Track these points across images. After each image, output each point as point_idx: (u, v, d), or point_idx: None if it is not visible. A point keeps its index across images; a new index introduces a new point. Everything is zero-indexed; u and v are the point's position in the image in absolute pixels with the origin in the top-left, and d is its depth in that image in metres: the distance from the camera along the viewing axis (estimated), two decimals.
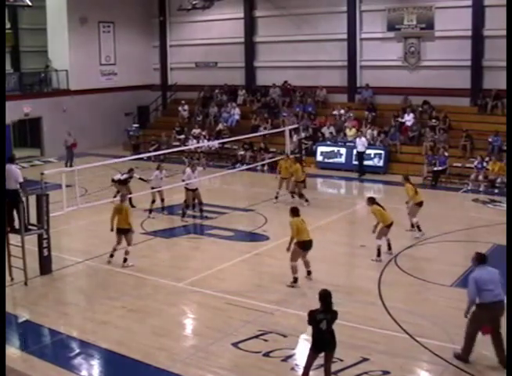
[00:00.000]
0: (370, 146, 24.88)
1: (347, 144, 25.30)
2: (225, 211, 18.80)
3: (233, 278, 13.27)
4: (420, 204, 15.59)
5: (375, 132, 25.35)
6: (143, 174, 20.35)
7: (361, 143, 24.18)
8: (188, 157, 26.20)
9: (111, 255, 14.17)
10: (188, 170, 18.04)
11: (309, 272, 12.81)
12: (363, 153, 24.17)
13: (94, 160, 24.99)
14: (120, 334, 10.52)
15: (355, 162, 24.58)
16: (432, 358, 9.40)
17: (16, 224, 13.00)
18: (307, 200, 18.83)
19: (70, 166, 25.17)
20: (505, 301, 9.01)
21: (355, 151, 24.52)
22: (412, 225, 15.65)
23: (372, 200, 14.25)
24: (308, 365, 8.35)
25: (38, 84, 30.57)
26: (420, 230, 15.48)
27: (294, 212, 12.70)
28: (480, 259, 9.23)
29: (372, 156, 24.47)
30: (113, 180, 19.58)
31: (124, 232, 14.02)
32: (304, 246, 12.53)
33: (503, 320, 8.99)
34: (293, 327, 10.62)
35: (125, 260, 13.97)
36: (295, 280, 12.48)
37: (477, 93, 25.06)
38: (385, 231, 14.01)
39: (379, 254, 13.87)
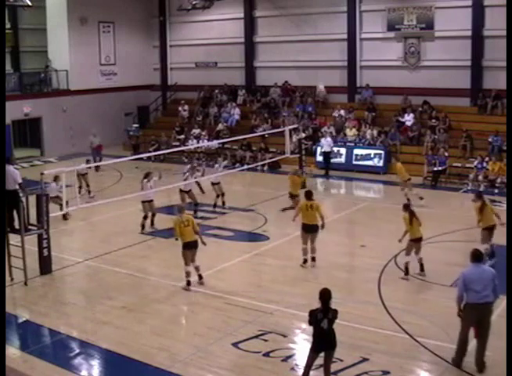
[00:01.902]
0: (370, 146, 24.91)
1: (348, 144, 25.32)
2: (225, 211, 18.81)
3: (233, 278, 13.27)
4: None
5: (375, 132, 25.36)
6: (144, 174, 20.32)
7: (326, 143, 24.60)
8: (188, 157, 26.24)
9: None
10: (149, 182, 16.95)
11: (313, 258, 13.55)
12: (329, 153, 24.59)
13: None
14: (120, 334, 10.52)
15: (355, 162, 24.61)
16: (432, 358, 9.40)
17: (16, 224, 13.01)
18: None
19: (96, 169, 24.91)
20: (491, 303, 8.92)
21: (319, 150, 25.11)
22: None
23: (406, 207, 12.95)
24: (309, 365, 8.36)
25: (38, 84, 30.56)
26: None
27: (307, 196, 13.75)
28: (474, 257, 9.09)
29: (372, 156, 24.48)
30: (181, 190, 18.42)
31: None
32: (304, 228, 13.49)
33: (502, 317, 8.99)
34: (293, 327, 10.63)
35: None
36: (304, 261, 13.50)
37: (477, 93, 25.05)
38: (411, 246, 12.65)
39: (406, 273, 12.72)
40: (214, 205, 18.93)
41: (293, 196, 18.01)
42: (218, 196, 19.08)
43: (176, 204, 15.24)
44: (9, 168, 12.88)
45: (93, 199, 19.23)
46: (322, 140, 24.98)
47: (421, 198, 18.45)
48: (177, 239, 12.52)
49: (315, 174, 24.01)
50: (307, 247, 13.52)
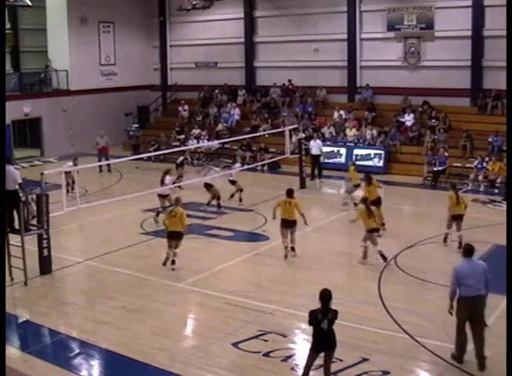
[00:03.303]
0: (370, 146, 24.90)
1: (348, 144, 25.31)
2: (225, 211, 18.81)
3: (233, 278, 13.27)
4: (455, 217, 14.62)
5: (375, 132, 25.36)
6: (144, 174, 20.41)
7: (315, 146, 23.42)
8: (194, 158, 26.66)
9: None
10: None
11: (292, 248, 14.21)
12: (318, 156, 23.52)
13: (94, 160, 25.03)
14: (120, 334, 10.52)
15: (356, 162, 24.51)
16: (432, 358, 9.40)
17: (16, 224, 13.00)
18: None
19: (109, 170, 24.98)
20: (484, 296, 8.99)
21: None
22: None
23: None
24: (308, 365, 8.35)
25: (38, 84, 30.55)
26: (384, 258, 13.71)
27: (288, 193, 14.36)
28: (466, 252, 9.23)
29: (372, 156, 24.48)
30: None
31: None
32: (283, 223, 14.14)
33: (502, 317, 8.99)
34: (293, 327, 10.63)
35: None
36: (286, 255, 14.17)
37: (477, 93, 25.05)
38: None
39: (364, 256, 13.66)
40: (219, 202, 19.04)
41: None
42: (232, 195, 19.63)
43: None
44: (9, 168, 12.88)
45: (74, 194, 18.26)
46: (311, 142, 23.61)
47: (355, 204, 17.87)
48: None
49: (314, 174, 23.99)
50: (287, 241, 14.14)
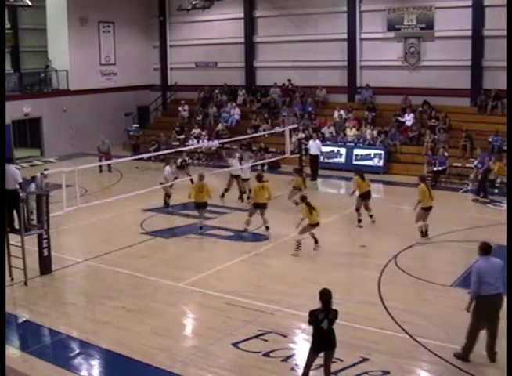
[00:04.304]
0: (370, 146, 24.90)
1: (348, 144, 25.31)
2: (225, 211, 18.81)
3: (233, 278, 13.27)
4: (427, 208, 15.38)
5: (375, 132, 25.35)
6: (144, 174, 20.40)
7: (315, 146, 23.38)
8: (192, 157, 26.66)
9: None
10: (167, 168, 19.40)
11: (267, 228, 16.14)
12: (317, 156, 23.48)
13: (94, 160, 25.02)
14: (120, 334, 10.52)
15: (355, 162, 24.57)
16: (432, 358, 9.40)
17: (16, 224, 13.00)
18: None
19: (109, 170, 25.18)
20: (503, 294, 9.01)
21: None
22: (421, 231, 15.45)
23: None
24: (308, 365, 8.35)
25: (38, 84, 30.54)
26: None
27: (258, 179, 16.29)
28: (484, 250, 9.16)
29: (372, 156, 24.48)
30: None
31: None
32: (257, 206, 16.20)
33: (502, 317, 9.00)
34: (293, 327, 10.63)
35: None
36: (245, 230, 16.34)
37: (477, 93, 25.06)
38: (308, 228, 14.56)
39: (298, 248, 14.49)
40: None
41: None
42: (243, 192, 19.98)
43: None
44: (10, 168, 12.89)
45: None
46: (311, 142, 23.57)
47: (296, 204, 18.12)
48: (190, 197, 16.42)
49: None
50: (251, 220, 16.26)
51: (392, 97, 26.76)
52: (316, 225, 14.63)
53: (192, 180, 19.34)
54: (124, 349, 9.87)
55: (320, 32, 28.52)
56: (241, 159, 21.11)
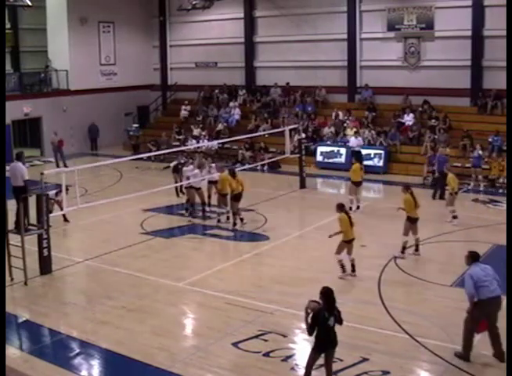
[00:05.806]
0: (370, 145, 24.90)
1: (348, 144, 25.31)
2: (225, 211, 18.76)
3: (233, 278, 13.26)
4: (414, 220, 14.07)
5: (374, 132, 25.34)
6: (144, 174, 20.38)
7: (356, 142, 23.95)
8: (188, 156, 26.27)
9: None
10: (191, 167, 18.45)
11: (241, 219, 16.80)
12: (359, 152, 23.80)
13: (94, 160, 25.04)
14: (120, 334, 10.52)
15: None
16: (432, 358, 9.40)
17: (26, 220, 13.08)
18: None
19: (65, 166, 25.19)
20: (501, 296, 9.07)
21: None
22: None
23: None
24: (311, 365, 8.27)
25: (38, 84, 30.54)
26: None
27: (232, 174, 16.97)
28: (473, 257, 9.36)
29: (372, 156, 24.48)
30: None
31: None
32: (234, 198, 16.82)
33: (502, 317, 9.01)
34: (294, 327, 10.62)
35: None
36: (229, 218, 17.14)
37: (477, 93, 25.06)
38: (343, 246, 12.82)
39: (343, 271, 12.91)
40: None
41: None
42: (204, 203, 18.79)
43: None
44: (18, 165, 12.98)
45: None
46: (352, 139, 24.70)
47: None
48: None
49: (315, 173, 24.00)
50: (240, 213, 16.90)
51: (392, 97, 26.76)
52: (352, 240, 12.92)
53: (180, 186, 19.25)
54: (123, 349, 9.87)
55: (320, 32, 28.52)
56: (199, 167, 18.83)
